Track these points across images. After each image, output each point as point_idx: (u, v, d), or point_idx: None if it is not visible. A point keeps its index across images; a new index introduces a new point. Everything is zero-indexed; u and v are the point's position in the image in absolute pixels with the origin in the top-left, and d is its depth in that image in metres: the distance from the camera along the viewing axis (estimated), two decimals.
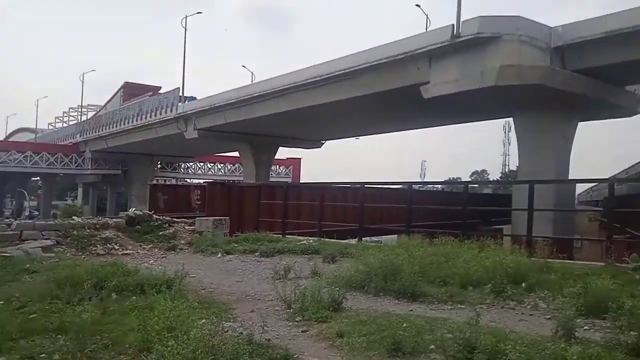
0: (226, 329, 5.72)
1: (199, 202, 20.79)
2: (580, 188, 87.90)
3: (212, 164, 77.23)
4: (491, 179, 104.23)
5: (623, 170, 53.51)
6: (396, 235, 17.01)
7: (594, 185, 61.37)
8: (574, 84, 28.00)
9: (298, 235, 15.12)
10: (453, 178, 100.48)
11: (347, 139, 64.63)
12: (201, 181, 56.73)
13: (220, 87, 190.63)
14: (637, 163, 42.64)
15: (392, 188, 22.53)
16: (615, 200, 30.04)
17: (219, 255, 12.34)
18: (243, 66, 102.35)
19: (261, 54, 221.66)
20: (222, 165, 77.38)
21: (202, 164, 76.77)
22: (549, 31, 27.77)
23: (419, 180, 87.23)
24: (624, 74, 28.92)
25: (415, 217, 15.12)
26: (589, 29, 26.61)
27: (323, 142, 60.54)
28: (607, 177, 11.79)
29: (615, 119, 40.14)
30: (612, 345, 4.76)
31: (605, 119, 40.24)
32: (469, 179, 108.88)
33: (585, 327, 5.75)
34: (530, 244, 10.67)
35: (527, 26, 27.19)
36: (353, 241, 14.06)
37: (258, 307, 7.09)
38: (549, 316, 6.36)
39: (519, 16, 27.23)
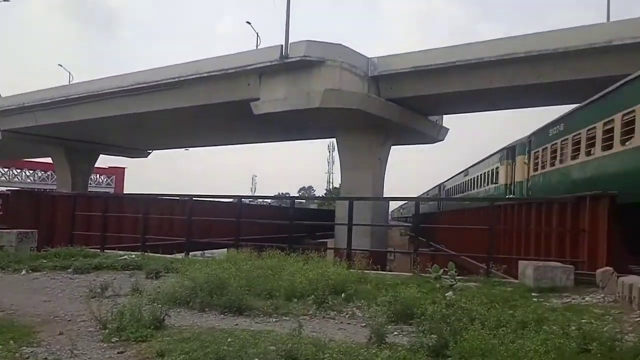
0: (26, 356, 5.09)
1: (0, 213, 18.29)
2: (394, 205, 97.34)
3: (18, 170, 68.96)
4: (317, 195, 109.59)
5: (425, 192, 60.56)
6: (226, 249, 16.89)
7: (405, 203, 68.43)
8: (387, 111, 30.99)
9: (119, 250, 14.13)
10: (282, 193, 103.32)
11: (178, 149, 62.74)
12: (4, 189, 50.06)
13: (30, 85, 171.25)
14: (436, 186, 48.54)
15: (221, 201, 22.37)
16: (422, 217, 33.94)
17: (24, 272, 10.97)
18: (59, 65, 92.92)
19: (81, 54, 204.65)
20: (31, 172, 69.54)
21: (6, 169, 68.01)
22: (366, 61, 30.43)
23: (250, 194, 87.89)
24: (427, 105, 32.86)
25: (244, 231, 15.17)
26: (400, 62, 29.80)
27: (150, 151, 57.80)
28: (414, 196, 13.37)
29: (426, 145, 45.33)
30: (417, 348, 5.29)
31: (414, 144, 45.11)
32: (297, 194, 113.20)
33: (395, 333, 6.30)
34: (350, 257, 11.40)
35: (348, 54, 29.47)
36: (180, 255, 13.59)
37: (68, 329, 6.43)
38: (364, 324, 6.85)
39: (340, 44, 29.35)
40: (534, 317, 5.88)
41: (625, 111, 11.14)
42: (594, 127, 12.54)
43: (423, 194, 60.05)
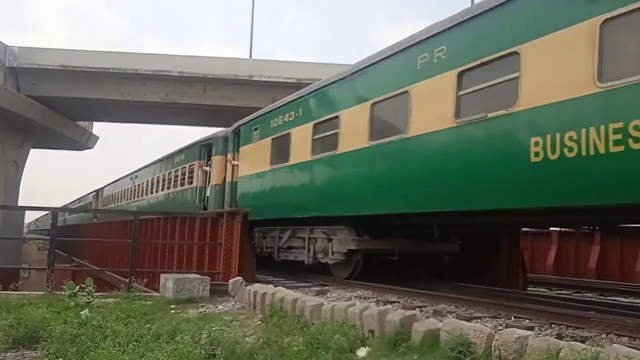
0: None
1: None
2: (32, 217, 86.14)
3: None
4: None
5: (76, 200, 55.91)
6: None
7: (45, 214, 61.48)
8: (28, 109, 27.50)
9: None
10: None
11: None
12: None
13: None
14: (87, 194, 45.45)
15: None
16: (64, 230, 30.97)
17: None
18: None
19: None
20: None
21: None
22: (4, 48, 26.49)
23: None
24: (77, 109, 30.67)
25: None
26: (46, 58, 26.98)
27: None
28: (52, 207, 12.13)
29: (78, 151, 41.88)
30: None
31: (61, 149, 41.30)
32: None
33: None
34: None
35: None
36: None
37: None
38: None
39: None
40: (169, 328, 6.05)
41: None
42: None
43: (74, 201, 55.07)
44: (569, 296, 9.63)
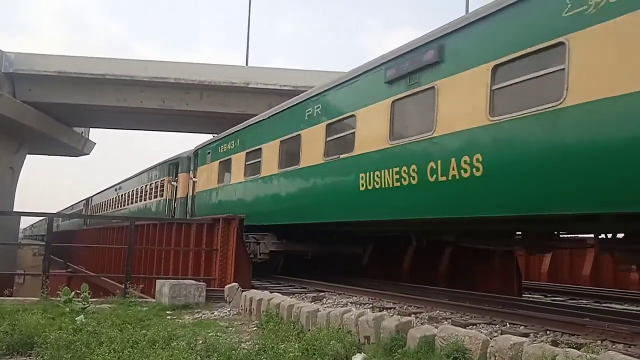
0: None
1: None
2: (27, 222, 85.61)
3: None
4: None
5: (69, 207, 55.73)
6: None
7: (40, 220, 61.20)
8: (23, 114, 27.44)
9: None
10: None
11: None
12: None
13: None
14: (81, 200, 45.38)
15: None
16: (61, 235, 30.83)
17: None
18: None
19: None
20: None
21: None
22: (1, 55, 26.49)
23: None
24: (73, 115, 30.65)
25: None
26: (43, 64, 26.99)
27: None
28: (46, 212, 12.13)
29: (75, 157, 41.82)
30: None
31: (57, 155, 41.19)
32: None
33: None
34: None
35: None
36: None
37: None
38: None
39: None
40: (165, 334, 6.04)
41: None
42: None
43: (67, 208, 54.99)
44: (563, 303, 9.64)
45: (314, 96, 10.65)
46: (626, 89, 4.97)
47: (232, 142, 14.31)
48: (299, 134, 10.78)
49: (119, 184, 30.94)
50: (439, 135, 7.09)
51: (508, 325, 6.36)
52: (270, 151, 11.97)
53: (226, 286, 9.45)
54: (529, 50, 5.97)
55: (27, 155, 33.87)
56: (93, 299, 8.77)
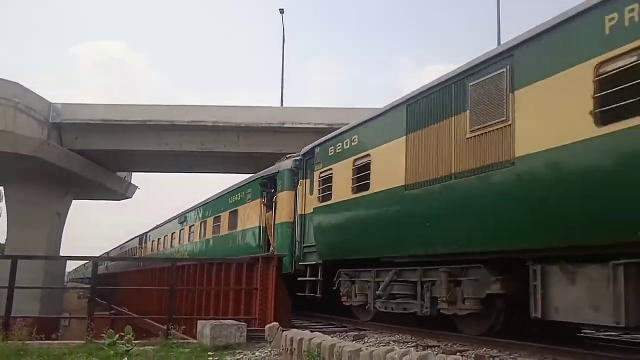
0: None
1: None
2: (72, 266, 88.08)
3: None
4: None
5: (117, 247, 56.95)
6: None
7: (85, 263, 62.79)
8: (70, 162, 28.63)
9: None
10: None
11: None
12: None
13: None
14: (129, 240, 46.25)
15: None
16: (100, 278, 31.35)
17: None
18: None
19: None
20: None
21: None
22: (48, 105, 27.87)
23: None
24: (116, 160, 31.73)
25: None
26: (87, 112, 28.24)
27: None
28: (91, 256, 12.44)
29: (115, 201, 43.05)
30: None
31: (100, 199, 42.49)
32: None
33: None
34: (8, 326, 9.72)
35: (26, 95, 26.44)
36: None
37: None
38: None
39: (17, 83, 26.23)
40: None
41: None
42: None
43: (115, 248, 56.05)
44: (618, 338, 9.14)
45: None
46: None
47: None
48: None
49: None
50: None
51: None
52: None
53: (266, 326, 9.39)
54: None
55: (73, 200, 35.08)
56: (136, 341, 8.84)
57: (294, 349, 7.92)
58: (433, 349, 7.29)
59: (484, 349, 7.20)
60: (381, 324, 9.76)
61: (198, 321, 9.82)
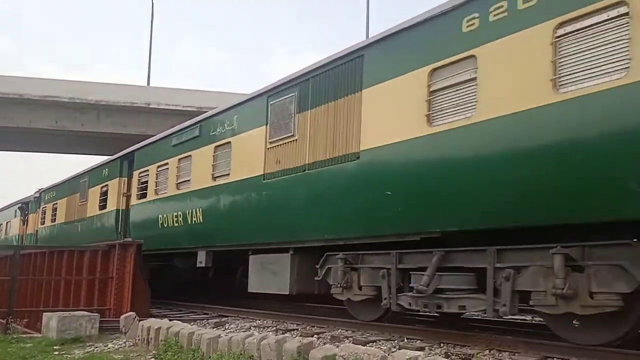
0: None
1: None
2: None
3: None
4: None
5: None
6: None
7: None
8: None
9: None
10: None
11: None
12: None
13: None
14: None
15: None
16: None
17: None
18: None
19: None
20: None
21: None
22: None
23: None
24: None
25: None
26: None
27: None
28: None
29: None
30: None
31: None
32: None
33: None
34: None
35: None
36: None
37: None
38: None
39: None
40: None
41: None
42: None
43: None
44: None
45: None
46: None
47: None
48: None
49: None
50: None
51: (406, 340, 6.58)
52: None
53: (122, 316, 8.94)
54: None
55: None
56: None
57: (151, 338, 7.65)
58: (292, 332, 7.49)
59: (340, 330, 7.56)
60: (243, 310, 9.80)
61: (44, 314, 9.06)
